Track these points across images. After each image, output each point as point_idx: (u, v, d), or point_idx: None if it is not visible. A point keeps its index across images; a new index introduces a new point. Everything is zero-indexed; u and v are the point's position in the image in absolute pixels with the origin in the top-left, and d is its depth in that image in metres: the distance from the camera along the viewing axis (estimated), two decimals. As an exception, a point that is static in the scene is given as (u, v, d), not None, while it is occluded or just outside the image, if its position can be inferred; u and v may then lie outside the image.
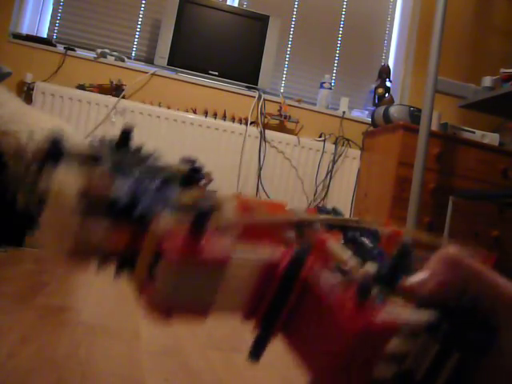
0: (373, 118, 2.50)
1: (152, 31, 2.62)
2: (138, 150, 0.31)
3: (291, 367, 0.65)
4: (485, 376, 0.25)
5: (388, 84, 2.68)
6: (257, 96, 2.55)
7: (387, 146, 2.33)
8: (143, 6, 2.63)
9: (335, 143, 2.60)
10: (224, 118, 2.52)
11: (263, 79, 2.54)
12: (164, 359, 0.56)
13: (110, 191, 0.25)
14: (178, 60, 2.46)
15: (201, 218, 0.23)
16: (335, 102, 2.77)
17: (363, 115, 2.75)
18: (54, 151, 0.28)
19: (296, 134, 2.61)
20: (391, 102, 2.58)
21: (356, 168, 2.59)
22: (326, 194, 2.55)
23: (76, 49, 2.46)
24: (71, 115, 2.30)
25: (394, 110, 2.33)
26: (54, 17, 2.53)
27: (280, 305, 0.25)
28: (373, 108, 2.63)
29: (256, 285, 0.24)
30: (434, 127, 2.29)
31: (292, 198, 2.49)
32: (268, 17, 2.55)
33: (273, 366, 0.63)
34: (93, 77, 2.42)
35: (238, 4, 2.73)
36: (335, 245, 0.25)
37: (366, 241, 0.29)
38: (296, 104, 2.64)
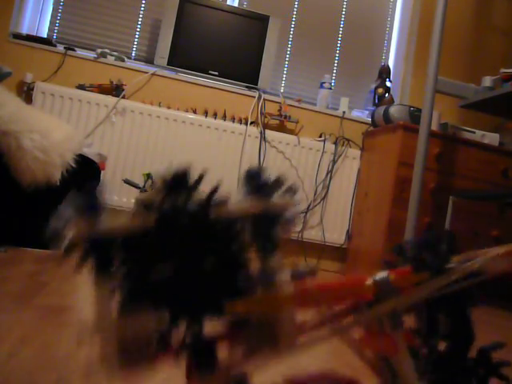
0: (373, 118, 2.50)
1: (152, 31, 2.62)
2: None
3: (293, 367, 0.65)
4: None
5: (388, 84, 2.68)
6: (257, 96, 2.55)
7: (387, 146, 2.33)
8: (143, 6, 2.63)
9: (335, 143, 2.60)
10: (224, 117, 2.52)
11: (263, 79, 2.54)
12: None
13: None
14: (177, 60, 2.46)
15: None
16: (335, 102, 2.77)
17: (363, 115, 2.75)
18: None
19: (296, 134, 2.61)
20: (391, 101, 2.58)
21: (356, 168, 2.60)
22: (326, 194, 2.55)
23: (76, 49, 2.46)
24: (71, 115, 2.30)
25: (394, 110, 2.33)
26: (53, 17, 2.53)
27: None
28: (373, 108, 2.63)
29: None
30: (434, 127, 2.29)
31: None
32: (268, 17, 2.55)
33: (273, 365, 0.63)
34: (93, 77, 2.42)
35: (238, 4, 2.73)
36: None
37: None
38: (296, 104, 2.64)
